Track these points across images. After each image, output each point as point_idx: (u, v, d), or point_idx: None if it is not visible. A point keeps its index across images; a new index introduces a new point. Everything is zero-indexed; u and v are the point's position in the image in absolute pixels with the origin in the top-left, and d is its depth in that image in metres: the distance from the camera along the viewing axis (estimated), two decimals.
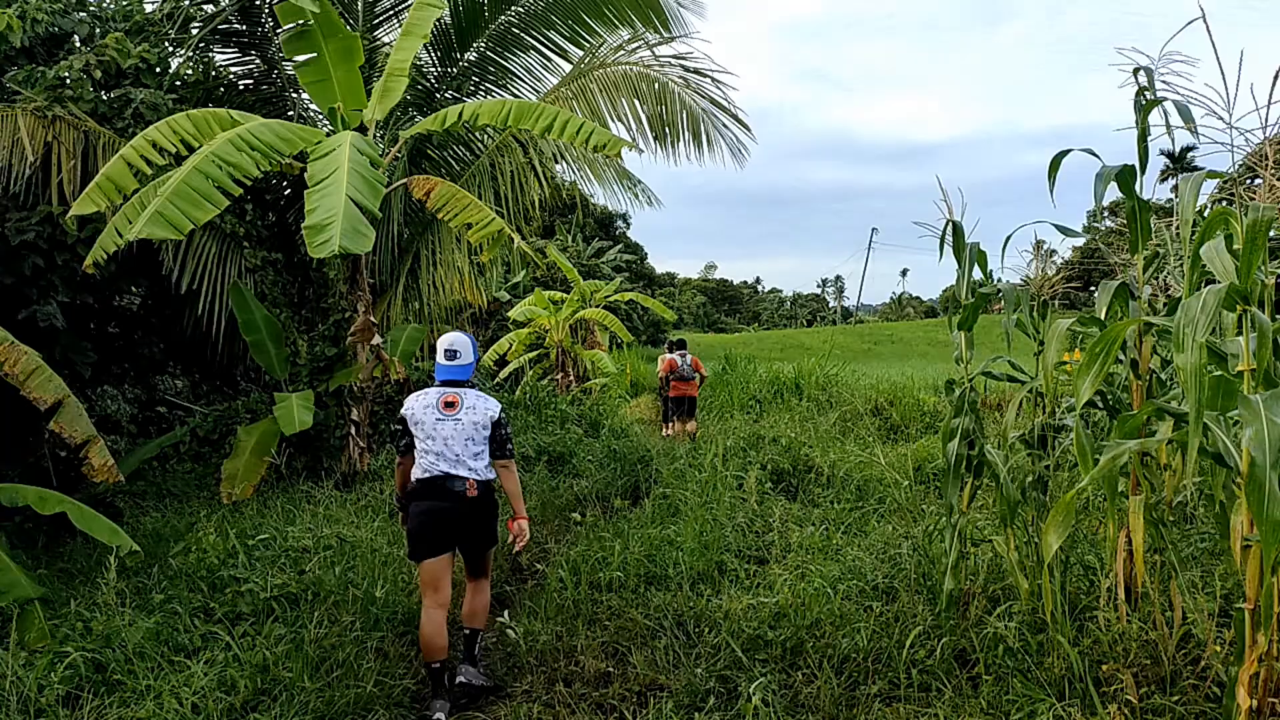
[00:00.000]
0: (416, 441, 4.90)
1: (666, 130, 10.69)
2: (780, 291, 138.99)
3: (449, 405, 4.90)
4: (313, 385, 9.25)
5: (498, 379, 21.06)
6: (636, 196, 13.89)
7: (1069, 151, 4.91)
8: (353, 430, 9.28)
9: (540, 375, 21.91)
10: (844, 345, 66.47)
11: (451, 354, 5.09)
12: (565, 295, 21.46)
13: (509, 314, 20.16)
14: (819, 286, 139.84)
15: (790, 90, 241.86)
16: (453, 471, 4.80)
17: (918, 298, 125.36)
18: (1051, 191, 5.13)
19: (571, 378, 20.57)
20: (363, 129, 8.79)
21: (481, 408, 4.99)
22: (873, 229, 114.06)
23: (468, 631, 5.02)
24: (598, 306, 21.47)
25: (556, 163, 13.35)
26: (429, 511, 4.83)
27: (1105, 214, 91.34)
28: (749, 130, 11.47)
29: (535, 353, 21.46)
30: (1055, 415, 5.70)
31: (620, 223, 58.46)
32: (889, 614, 5.26)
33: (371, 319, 9.25)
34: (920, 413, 15.20)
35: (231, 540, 5.86)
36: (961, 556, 5.17)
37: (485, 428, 4.94)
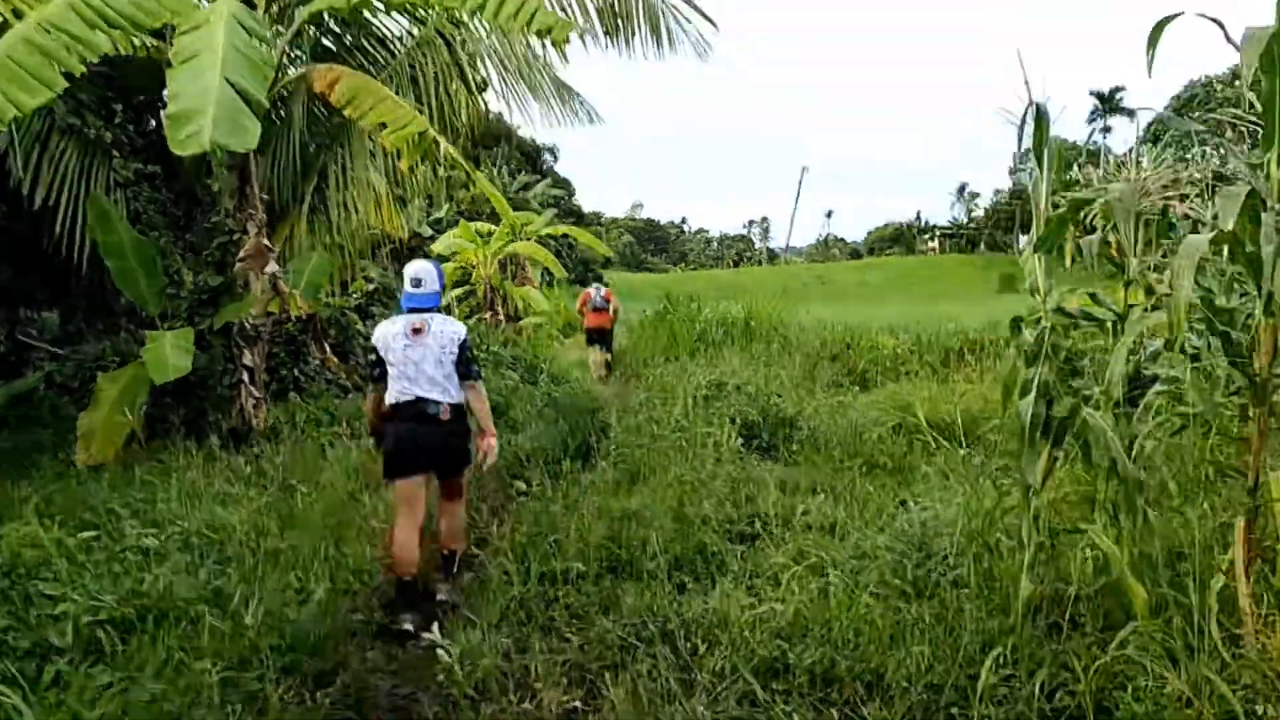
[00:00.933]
0: (389, 369, 4.99)
1: (620, 23, 9.13)
2: (707, 232, 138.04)
3: (416, 331, 4.97)
4: (193, 322, 7.62)
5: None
6: (576, 112, 12.30)
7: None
8: (245, 377, 7.72)
9: (467, 314, 20.33)
10: (773, 285, 65.84)
11: (417, 281, 5.14)
12: (494, 228, 19.83)
13: (432, 248, 18.48)
14: (745, 227, 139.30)
15: (725, 29, 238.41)
16: (426, 395, 4.90)
17: (842, 239, 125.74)
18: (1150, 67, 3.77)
19: (501, 317, 19.04)
20: (249, 1, 7.09)
21: (449, 332, 5.07)
22: (803, 168, 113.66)
23: (445, 553, 5.20)
24: (529, 240, 19.88)
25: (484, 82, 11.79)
26: (405, 434, 4.96)
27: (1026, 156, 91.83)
28: (713, 24, 10.04)
29: (461, 289, 19.84)
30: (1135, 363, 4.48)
31: (548, 156, 56.40)
32: (937, 623, 4.02)
33: (266, 242, 7.65)
34: (882, 356, 14.13)
35: (51, 532, 4.27)
36: (1041, 549, 3.94)
37: (452, 351, 5.02)
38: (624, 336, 18.80)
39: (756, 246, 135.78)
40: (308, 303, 8.06)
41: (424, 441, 4.95)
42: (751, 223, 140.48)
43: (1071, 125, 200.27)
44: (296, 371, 8.45)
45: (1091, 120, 76.84)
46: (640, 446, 7.37)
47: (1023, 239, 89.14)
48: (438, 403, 4.90)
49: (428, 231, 26.50)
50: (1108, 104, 74.98)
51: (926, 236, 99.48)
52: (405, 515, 4.89)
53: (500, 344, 13.34)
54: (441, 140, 6.45)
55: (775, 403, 8.85)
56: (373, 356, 5.13)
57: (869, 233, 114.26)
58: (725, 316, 16.02)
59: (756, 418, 8.34)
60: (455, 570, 5.21)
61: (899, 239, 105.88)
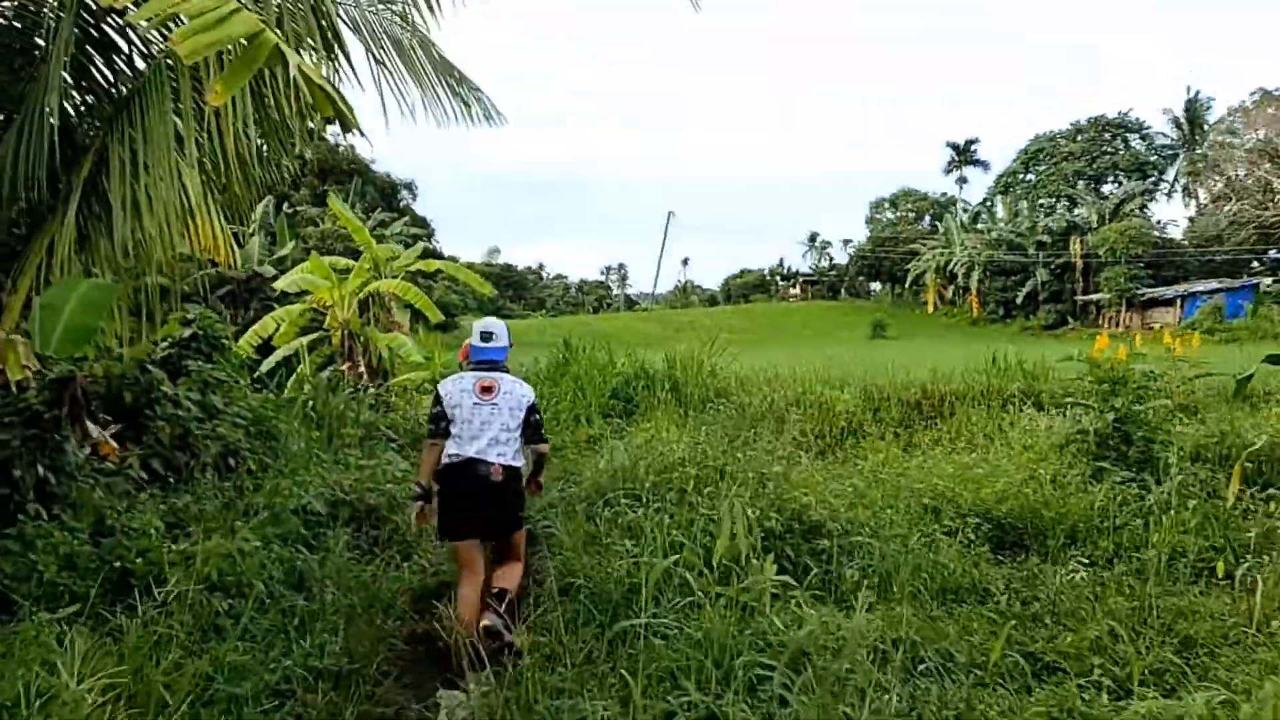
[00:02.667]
0: (452, 426, 4.89)
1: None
2: (565, 278, 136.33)
3: (486, 390, 4.94)
4: None
5: (258, 373, 15.98)
6: (468, 105, 9.45)
7: None
8: None
9: (320, 365, 16.93)
10: (645, 332, 63.78)
11: (487, 335, 5.18)
12: (352, 264, 16.60)
13: (276, 285, 15.12)
14: (603, 273, 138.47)
15: (579, 70, 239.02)
16: (481, 456, 4.79)
17: (699, 286, 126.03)
18: None
19: (362, 369, 15.76)
20: None
21: (518, 393, 5.04)
22: (669, 212, 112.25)
23: (496, 590, 4.84)
24: (396, 278, 16.70)
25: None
26: (455, 497, 4.86)
27: (888, 205, 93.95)
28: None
29: (312, 336, 16.47)
30: None
31: (406, 193, 52.86)
32: None
33: None
34: (835, 414, 11.79)
35: None
36: None
37: (521, 411, 4.97)
38: None
39: (615, 292, 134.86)
40: (29, 363, 4.89)
41: (476, 505, 4.83)
42: (609, 269, 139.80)
43: (931, 175, 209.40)
44: (42, 469, 5.20)
45: (948, 171, 78.76)
46: (606, 584, 4.60)
47: (875, 286, 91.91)
48: (489, 463, 4.80)
49: (270, 271, 22.88)
50: (963, 155, 76.98)
51: (789, 283, 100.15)
52: (467, 575, 4.83)
53: (370, 406, 10.19)
54: (289, 52, 3.44)
55: (789, 494, 6.14)
56: (436, 409, 5.01)
57: (725, 279, 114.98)
58: (643, 368, 13.29)
59: (774, 520, 5.60)
60: (503, 607, 4.72)
61: (763, 286, 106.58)
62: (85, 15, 6.27)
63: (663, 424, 10.84)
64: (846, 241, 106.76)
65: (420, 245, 18.35)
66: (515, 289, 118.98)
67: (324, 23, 6.94)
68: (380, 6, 8.21)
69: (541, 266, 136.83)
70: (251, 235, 42.34)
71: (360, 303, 16.40)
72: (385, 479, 6.36)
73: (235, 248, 10.42)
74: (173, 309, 9.42)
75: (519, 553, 5.16)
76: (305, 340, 16.13)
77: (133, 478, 6.30)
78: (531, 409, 5.05)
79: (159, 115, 6.04)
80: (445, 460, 4.87)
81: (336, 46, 7.25)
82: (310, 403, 8.68)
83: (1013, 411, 12.13)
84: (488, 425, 4.85)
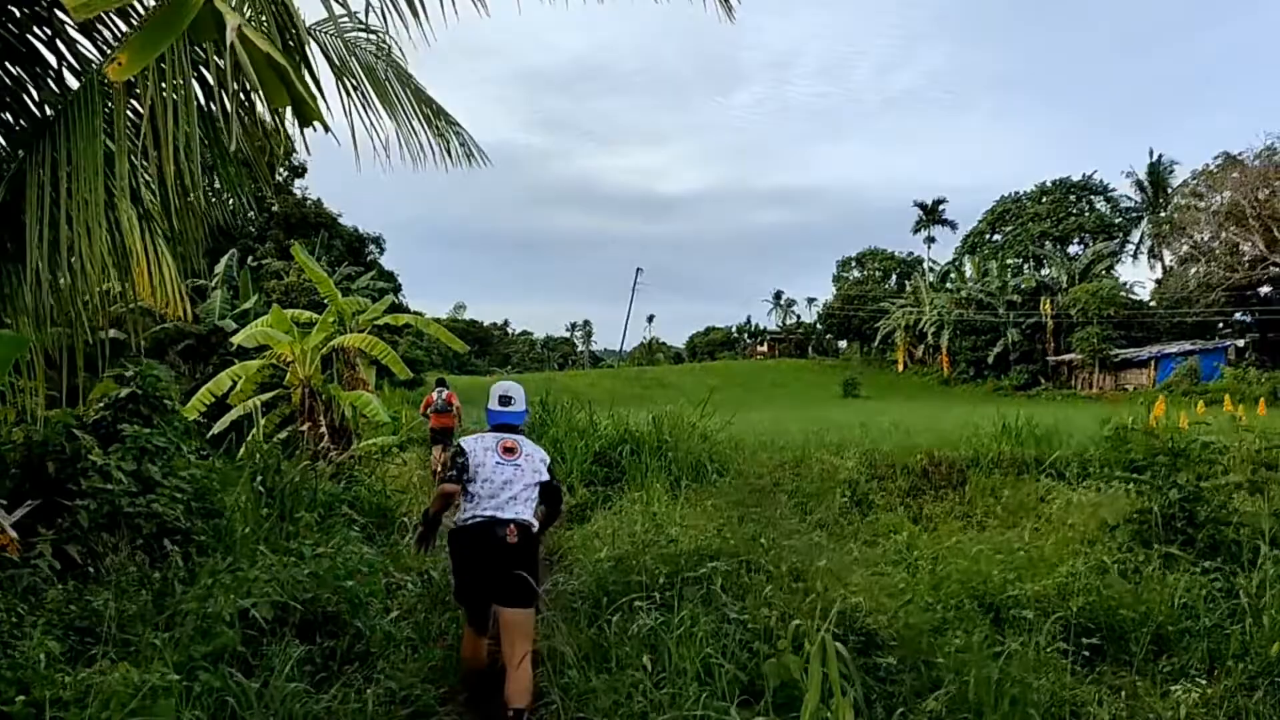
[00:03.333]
0: (470, 484, 4.87)
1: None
2: (531, 334, 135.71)
3: (509, 451, 4.95)
4: None
5: (211, 433, 14.82)
6: (448, 146, 8.57)
7: None
8: None
9: (278, 424, 15.80)
10: (614, 390, 62.70)
11: (507, 399, 5.18)
12: (315, 317, 15.58)
13: (234, 339, 14.03)
14: (568, 330, 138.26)
15: (537, 137, 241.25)
16: (499, 516, 4.77)
17: (665, 343, 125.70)
18: None
19: (323, 429, 14.65)
20: None
21: (538, 456, 5.11)
22: (638, 269, 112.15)
23: (511, 713, 4.54)
24: (362, 332, 15.67)
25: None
26: (471, 559, 4.84)
27: (854, 264, 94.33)
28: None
29: (270, 394, 15.37)
30: None
31: (373, 248, 51.80)
32: None
33: None
34: (838, 482, 10.89)
35: None
36: None
37: (541, 475, 5.02)
38: None
39: (580, 349, 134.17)
40: None
41: (491, 568, 4.74)
42: (574, 325, 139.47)
43: (899, 234, 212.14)
44: None
45: (916, 230, 79.15)
46: None
47: (842, 344, 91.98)
48: (506, 523, 4.76)
49: (232, 326, 21.78)
50: (931, 215, 77.46)
51: (756, 341, 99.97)
52: (471, 637, 4.92)
53: (332, 475, 9.12)
54: (230, 16, 2.46)
55: (833, 591, 5.16)
56: (461, 460, 4.93)
57: (691, 337, 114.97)
58: (629, 431, 12.30)
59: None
60: None
61: (729, 343, 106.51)
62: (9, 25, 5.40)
63: (654, 493, 9.87)
64: (811, 300, 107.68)
65: (388, 299, 17.34)
66: (480, 344, 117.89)
67: (289, 38, 6.03)
68: (350, 30, 7.34)
69: (506, 323, 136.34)
70: (214, 289, 41.09)
71: (324, 359, 15.37)
72: (345, 572, 5.29)
73: (186, 299, 9.42)
74: (121, 366, 8.42)
75: (529, 647, 4.84)
76: (261, 398, 15.05)
77: (43, 570, 5.21)
78: (551, 473, 5.13)
79: (87, 135, 5.08)
80: (462, 521, 4.86)
81: (304, 69, 6.33)
82: (259, 475, 7.56)
83: (1029, 481, 11.31)
84: (510, 485, 4.86)
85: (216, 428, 14.65)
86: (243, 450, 15.44)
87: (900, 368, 69.93)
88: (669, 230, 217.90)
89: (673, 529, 7.02)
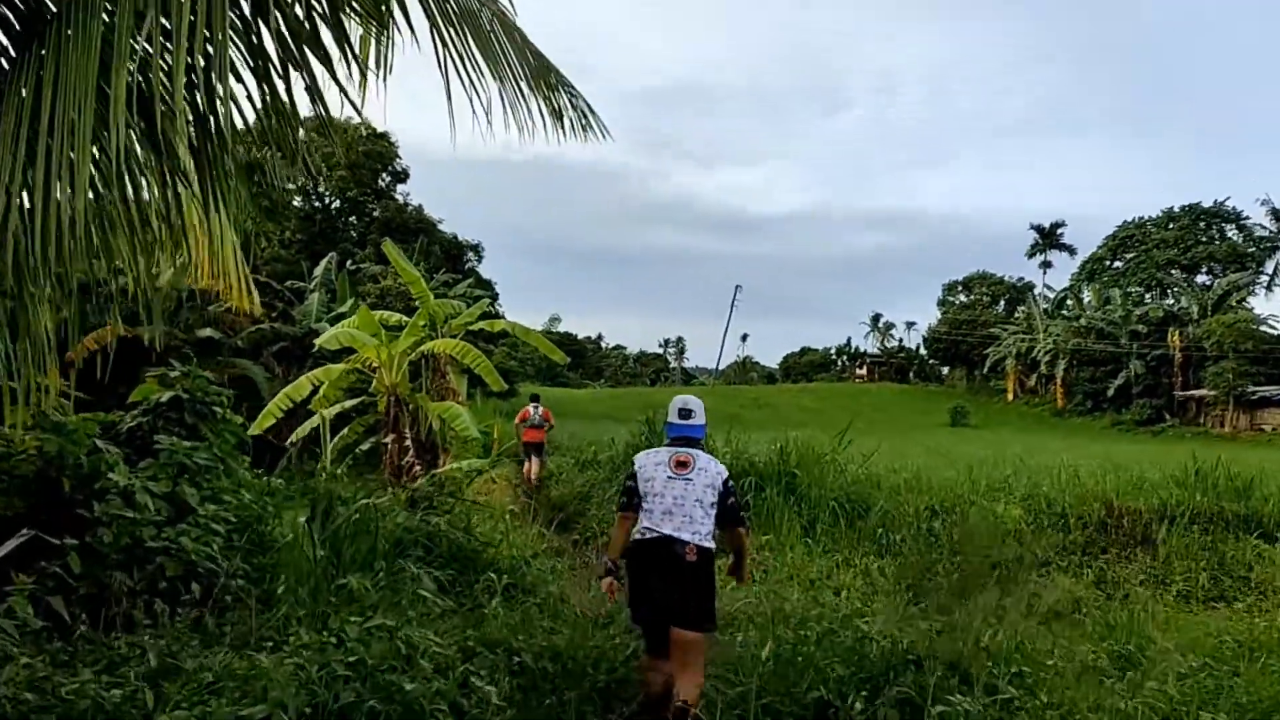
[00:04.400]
0: (644, 500, 4.77)
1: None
2: (624, 349, 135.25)
3: (681, 465, 4.80)
4: None
5: (289, 441, 13.75)
6: (561, 116, 7.12)
7: None
8: None
9: (359, 435, 14.66)
10: (711, 409, 60.81)
11: (687, 412, 5.03)
12: (405, 319, 14.39)
13: (317, 341, 12.89)
14: (661, 346, 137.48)
15: (637, 156, 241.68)
16: (676, 535, 4.64)
17: (757, 362, 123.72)
18: None
19: (409, 442, 13.42)
20: None
21: (713, 470, 4.87)
22: (737, 285, 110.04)
23: (679, 704, 4.40)
24: (455, 338, 14.42)
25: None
26: (649, 574, 4.69)
27: (961, 288, 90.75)
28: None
29: (355, 401, 14.22)
30: None
31: (471, 255, 51.25)
32: None
33: None
34: (1005, 534, 9.12)
35: None
36: None
37: (715, 490, 4.79)
38: (575, 480, 13.66)
39: (672, 365, 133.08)
40: None
41: (667, 585, 4.61)
42: (667, 341, 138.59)
43: (1002, 259, 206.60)
44: None
45: (1032, 254, 75.58)
46: None
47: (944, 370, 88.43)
48: (685, 542, 4.61)
49: (327, 329, 20.82)
50: (1048, 239, 73.86)
51: (856, 364, 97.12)
52: (651, 660, 4.73)
53: (410, 500, 7.72)
54: None
55: None
56: (629, 484, 4.89)
57: (785, 357, 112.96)
58: (751, 463, 10.70)
59: None
60: None
61: (825, 365, 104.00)
62: None
63: (788, 542, 8.27)
64: (910, 324, 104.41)
65: (483, 303, 16.06)
66: (575, 357, 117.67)
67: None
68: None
69: (600, 337, 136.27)
70: (312, 291, 40.79)
71: (412, 365, 14.17)
72: (401, 652, 3.81)
73: (252, 285, 8.19)
74: (168, 366, 7.24)
75: (701, 660, 4.73)
76: (345, 405, 13.91)
77: (5, 635, 3.88)
78: (728, 489, 4.86)
79: (80, 39, 3.73)
80: (637, 536, 4.77)
81: (397, 8, 4.93)
82: (322, 505, 6.14)
83: (1231, 541, 9.36)
84: (681, 502, 4.72)
85: (294, 436, 13.56)
86: (323, 458, 14.30)
87: (1010, 397, 66.55)
88: (765, 250, 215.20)
89: (834, 597, 5.41)
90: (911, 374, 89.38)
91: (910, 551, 8.15)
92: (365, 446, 14.32)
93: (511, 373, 54.23)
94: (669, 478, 4.75)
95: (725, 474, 4.91)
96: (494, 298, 50.78)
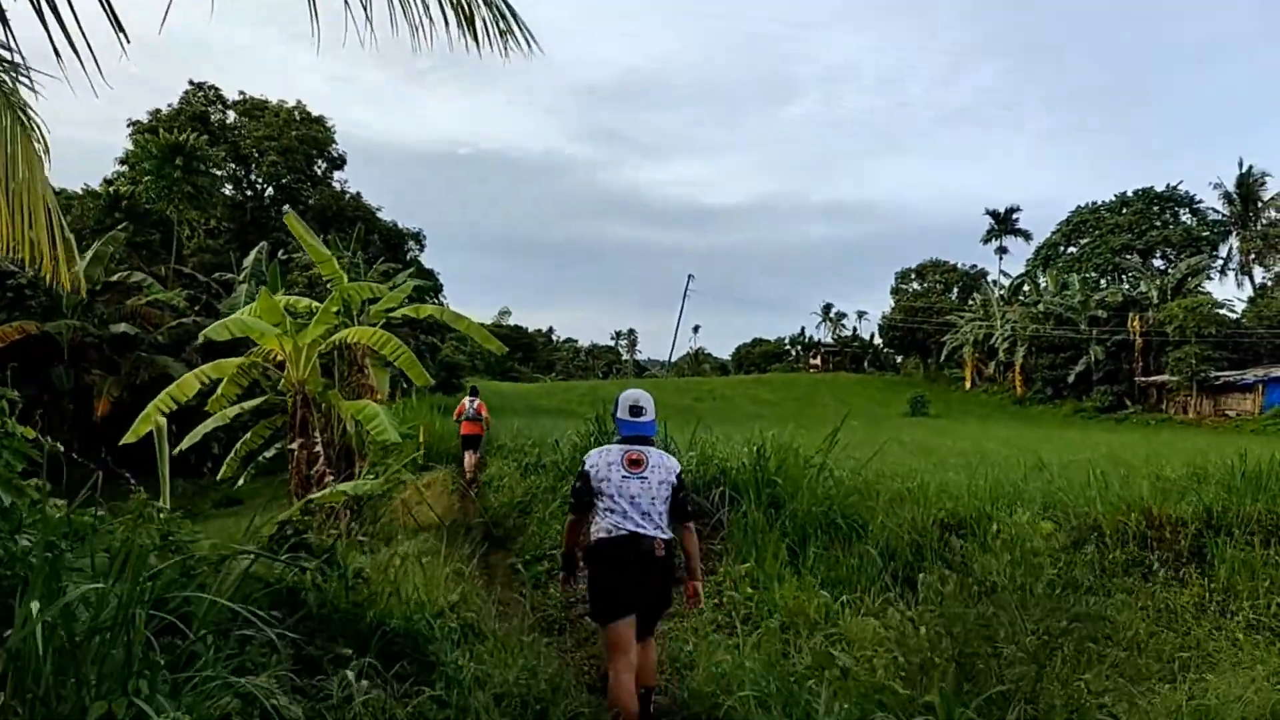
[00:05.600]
0: (600, 500, 4.76)
1: None
2: (575, 342, 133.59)
3: (635, 463, 4.79)
4: None
5: (178, 449, 11.72)
6: (472, 25, 5.28)
7: None
8: None
9: (265, 440, 12.66)
10: (665, 401, 59.11)
11: (638, 410, 5.00)
12: (315, 305, 12.42)
13: (205, 332, 10.82)
14: (613, 339, 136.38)
15: (587, 147, 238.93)
16: (640, 530, 4.66)
17: (710, 354, 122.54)
18: None
19: (318, 447, 11.45)
20: None
21: (667, 466, 4.89)
22: (689, 275, 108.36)
23: (642, 690, 4.76)
24: (375, 326, 12.44)
25: None
26: (620, 572, 4.69)
27: (914, 276, 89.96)
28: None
29: (255, 402, 12.21)
30: None
31: (412, 244, 48.97)
32: None
33: None
34: (1035, 551, 7.46)
35: None
36: None
37: (669, 485, 4.83)
38: (516, 488, 11.83)
39: (625, 358, 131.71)
40: None
41: (640, 580, 4.69)
42: (619, 334, 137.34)
43: (967, 244, 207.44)
44: None
45: (987, 240, 74.86)
46: None
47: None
48: (651, 538, 4.67)
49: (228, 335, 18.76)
50: (1004, 224, 73.16)
51: (810, 354, 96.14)
52: (621, 662, 4.59)
53: (271, 542, 5.75)
54: None
55: None
56: (579, 484, 4.87)
57: (737, 348, 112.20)
58: (724, 468, 8.92)
59: None
60: (652, 709, 4.89)
61: (779, 355, 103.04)
62: None
63: (773, 570, 6.53)
64: (861, 314, 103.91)
65: (408, 284, 14.08)
66: (525, 351, 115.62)
67: None
68: None
69: (551, 330, 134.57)
70: (241, 282, 38.23)
71: (325, 358, 12.20)
72: None
73: (73, 252, 6.31)
74: None
75: (654, 629, 5.02)
76: (245, 406, 11.93)
77: None
78: (681, 483, 4.91)
79: None
80: (602, 535, 4.71)
81: None
82: (119, 559, 4.16)
83: None
84: (638, 500, 4.71)
85: (185, 443, 11.55)
86: (225, 467, 12.27)
87: (968, 385, 65.69)
88: (716, 242, 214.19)
89: (851, 660, 3.64)
90: (866, 363, 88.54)
91: (930, 582, 6.44)
92: (270, 453, 12.37)
93: (459, 367, 52.09)
94: (624, 476, 4.74)
95: (678, 469, 4.93)
96: (437, 289, 48.58)
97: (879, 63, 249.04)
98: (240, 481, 12.70)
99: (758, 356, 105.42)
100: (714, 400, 59.99)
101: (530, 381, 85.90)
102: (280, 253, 39.55)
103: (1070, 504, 8.88)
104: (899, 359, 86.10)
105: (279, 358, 11.77)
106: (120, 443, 11.21)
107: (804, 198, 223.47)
